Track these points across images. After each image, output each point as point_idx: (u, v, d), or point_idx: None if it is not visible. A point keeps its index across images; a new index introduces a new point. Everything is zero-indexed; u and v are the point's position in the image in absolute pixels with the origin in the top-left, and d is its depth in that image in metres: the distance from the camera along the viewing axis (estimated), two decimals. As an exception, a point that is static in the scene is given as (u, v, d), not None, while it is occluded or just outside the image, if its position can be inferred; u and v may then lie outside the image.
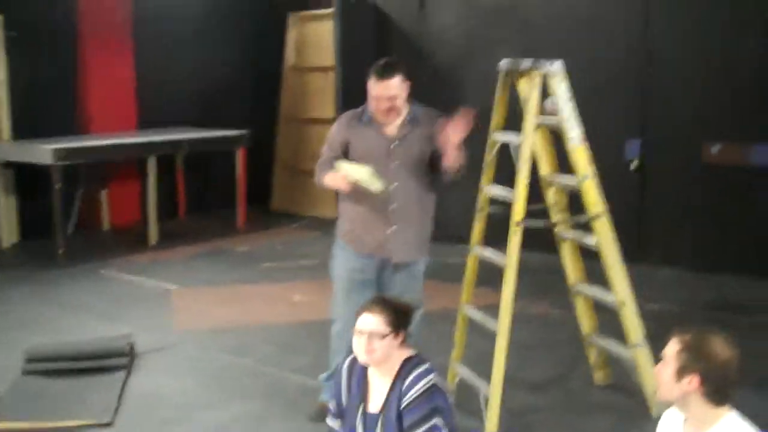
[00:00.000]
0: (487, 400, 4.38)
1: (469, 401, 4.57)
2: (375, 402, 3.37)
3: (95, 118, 9.48)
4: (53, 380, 5.20)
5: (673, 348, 2.72)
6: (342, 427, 3.47)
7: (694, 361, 2.67)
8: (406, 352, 3.37)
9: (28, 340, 5.72)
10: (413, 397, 3.24)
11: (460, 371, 4.80)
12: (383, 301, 3.40)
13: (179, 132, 9.61)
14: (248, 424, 4.65)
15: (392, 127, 4.40)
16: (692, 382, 2.67)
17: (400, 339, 3.32)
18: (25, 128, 8.81)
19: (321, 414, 4.48)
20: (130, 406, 4.88)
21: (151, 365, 5.52)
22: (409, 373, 3.30)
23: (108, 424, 4.62)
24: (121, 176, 9.77)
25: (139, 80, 9.78)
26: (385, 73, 4.29)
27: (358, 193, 4.29)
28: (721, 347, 2.69)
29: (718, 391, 2.67)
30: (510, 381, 4.50)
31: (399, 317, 3.34)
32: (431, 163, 4.38)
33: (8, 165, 8.71)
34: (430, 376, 3.30)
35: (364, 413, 3.38)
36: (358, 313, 3.35)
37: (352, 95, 9.02)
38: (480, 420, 4.35)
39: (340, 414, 3.50)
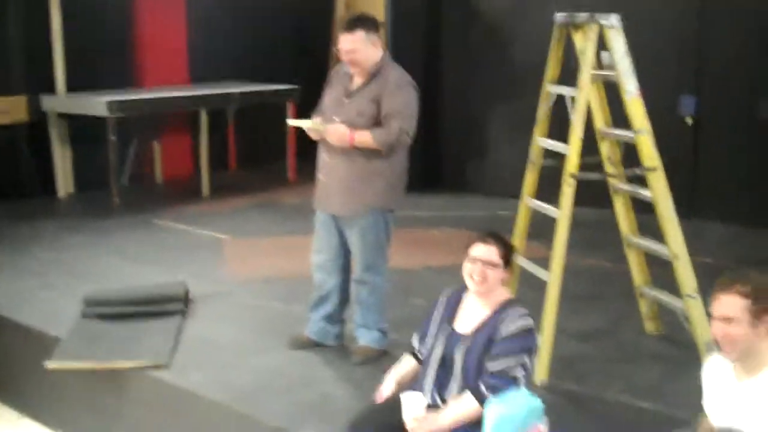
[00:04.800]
0: (537, 349, 4.42)
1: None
2: (464, 324, 3.52)
3: (148, 71, 9.58)
4: (111, 324, 5.32)
5: (736, 304, 2.70)
6: (422, 345, 3.65)
7: (760, 305, 2.68)
8: (507, 293, 3.56)
9: (86, 287, 5.85)
10: (512, 331, 3.39)
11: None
12: (496, 234, 3.58)
13: (230, 86, 9.68)
14: (300, 368, 4.74)
15: (356, 82, 4.63)
16: None
17: (506, 274, 3.51)
18: (79, 81, 8.93)
19: (298, 343, 4.94)
20: (185, 350, 4.99)
21: (205, 311, 5.63)
22: (511, 309, 3.47)
23: (165, 366, 4.74)
24: (174, 129, 9.88)
25: (190, 34, 9.84)
26: (347, 27, 4.56)
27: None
28: None
29: None
30: (560, 331, 4.54)
31: (508, 253, 3.53)
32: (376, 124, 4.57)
33: (63, 116, 8.85)
34: (530, 320, 3.48)
35: (450, 331, 3.52)
36: (472, 243, 3.50)
37: (401, 50, 8.99)
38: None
39: (424, 336, 3.66)
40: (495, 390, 3.34)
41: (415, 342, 3.73)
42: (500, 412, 3.23)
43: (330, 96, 4.75)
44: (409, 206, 8.27)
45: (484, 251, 3.48)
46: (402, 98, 4.54)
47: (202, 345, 5.08)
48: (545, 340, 4.40)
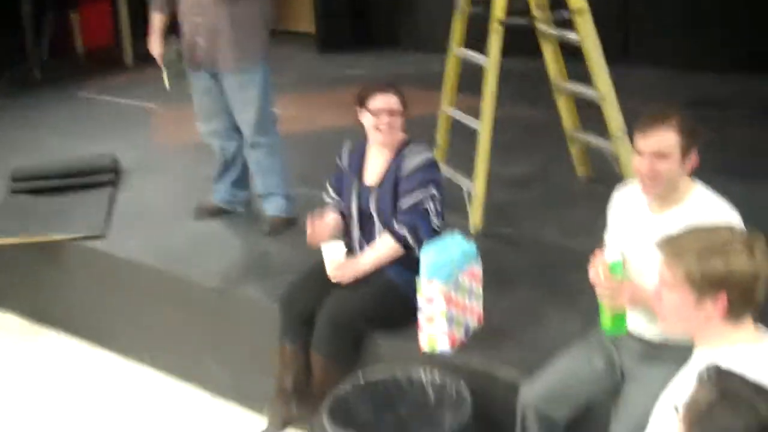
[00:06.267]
0: (470, 196, 4.46)
1: (454, 199, 4.61)
2: (371, 176, 3.57)
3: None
4: (41, 198, 5.25)
5: (671, 139, 2.66)
6: (339, 203, 3.68)
7: (689, 141, 2.68)
8: (404, 136, 3.59)
9: (12, 163, 5.71)
10: (415, 165, 3.45)
11: (443, 170, 4.85)
12: (389, 82, 3.62)
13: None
14: (231, 231, 4.75)
15: None
16: (693, 158, 2.71)
17: (404, 118, 3.54)
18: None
19: (204, 212, 4.84)
20: (119, 219, 4.96)
21: (136, 181, 5.57)
22: (410, 148, 3.52)
23: (100, 237, 4.70)
24: (91, -2, 9.52)
25: None
26: None
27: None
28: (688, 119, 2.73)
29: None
30: (493, 178, 4.55)
31: (404, 97, 3.55)
32: None
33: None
34: (429, 153, 3.55)
35: (360, 186, 3.57)
36: (367, 96, 3.50)
37: None
38: (465, 215, 4.44)
39: (338, 193, 3.69)
40: (410, 225, 3.42)
41: (327, 198, 3.74)
42: (434, 257, 3.27)
43: None
44: (340, 65, 8.26)
45: (387, 101, 3.48)
46: None
47: (135, 214, 5.04)
48: (478, 187, 4.43)
